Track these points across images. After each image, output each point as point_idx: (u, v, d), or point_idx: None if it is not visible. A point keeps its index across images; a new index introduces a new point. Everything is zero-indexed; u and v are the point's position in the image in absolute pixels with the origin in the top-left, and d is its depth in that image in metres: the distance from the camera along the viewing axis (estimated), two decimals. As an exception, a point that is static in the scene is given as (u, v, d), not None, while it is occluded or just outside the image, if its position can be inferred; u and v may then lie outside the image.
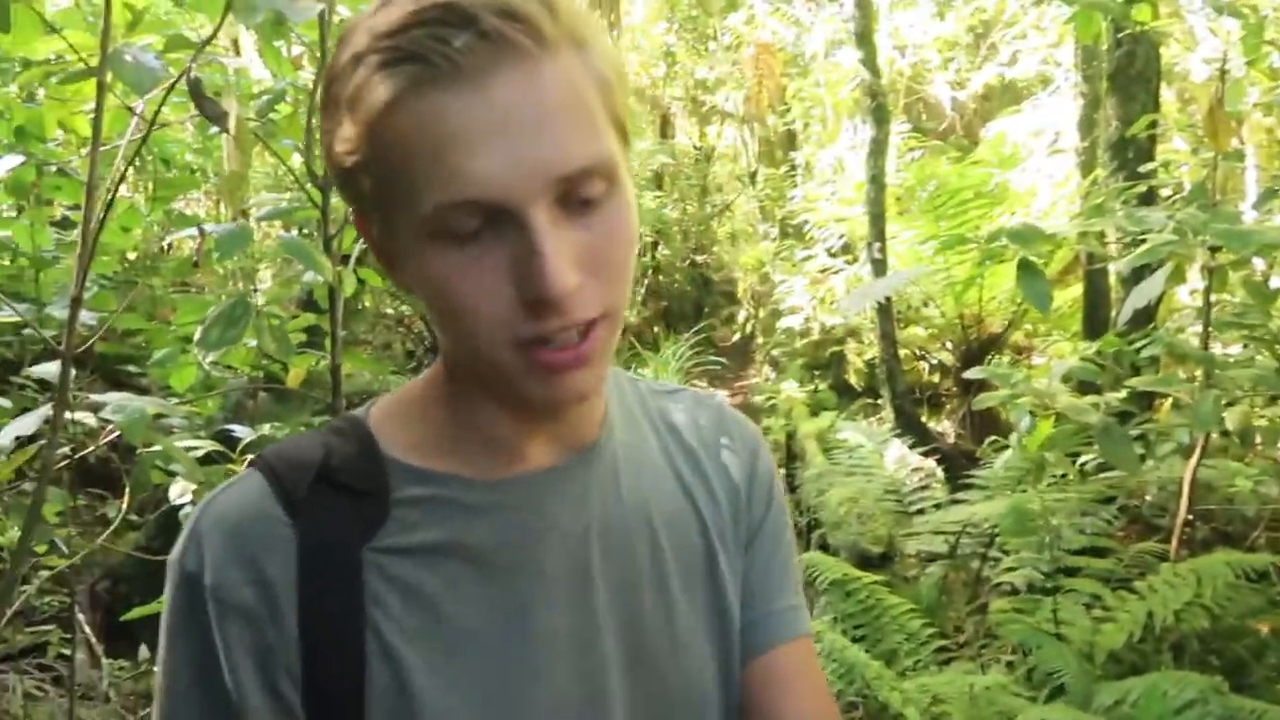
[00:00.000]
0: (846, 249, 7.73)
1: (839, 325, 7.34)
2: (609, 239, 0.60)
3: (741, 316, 10.12)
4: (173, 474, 1.82)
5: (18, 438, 1.44)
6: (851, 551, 4.05)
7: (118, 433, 1.56)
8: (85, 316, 1.70)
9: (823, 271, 7.68)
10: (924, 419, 6.00)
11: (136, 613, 1.66)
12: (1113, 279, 4.28)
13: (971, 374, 3.03)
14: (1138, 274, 3.12)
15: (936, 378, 6.99)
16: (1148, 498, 3.73)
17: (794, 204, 8.93)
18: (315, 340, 2.35)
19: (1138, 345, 2.96)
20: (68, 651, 2.56)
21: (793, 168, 9.96)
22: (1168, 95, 6.57)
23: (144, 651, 2.96)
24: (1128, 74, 4.04)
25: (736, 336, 9.95)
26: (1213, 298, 2.89)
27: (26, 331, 2.20)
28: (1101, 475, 3.42)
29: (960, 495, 3.98)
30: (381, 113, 0.57)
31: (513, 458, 0.69)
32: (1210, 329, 2.95)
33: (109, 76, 1.33)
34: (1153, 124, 3.71)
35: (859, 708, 2.75)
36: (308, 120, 1.70)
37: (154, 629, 0.68)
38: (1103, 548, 3.24)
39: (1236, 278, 2.80)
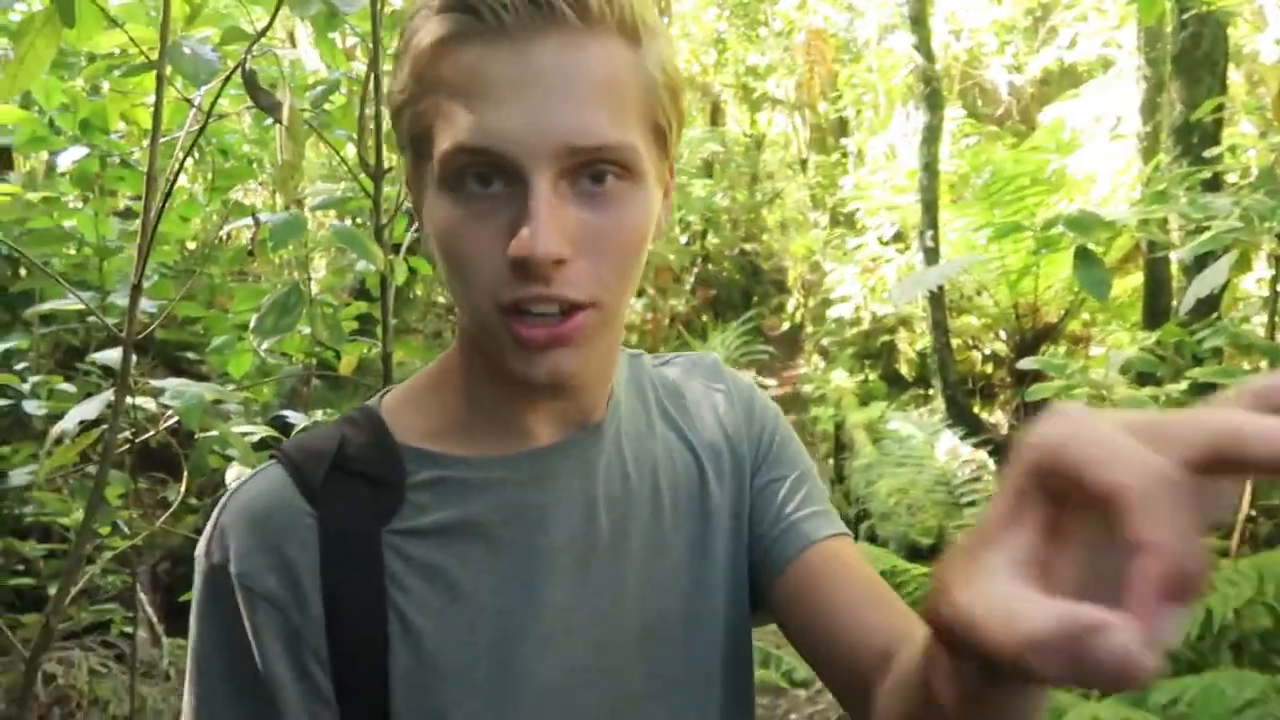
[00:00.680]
0: (898, 237, 7.63)
1: (890, 314, 7.26)
2: (614, 228, 0.60)
3: (791, 305, 10.06)
4: (229, 458, 1.87)
5: (82, 421, 1.49)
6: (900, 543, 4.02)
7: (177, 417, 1.60)
8: (145, 304, 1.74)
9: (874, 260, 7.60)
10: (976, 410, 5.91)
11: (195, 593, 1.69)
12: (1175, 267, 4.17)
13: (1024, 365, 2.98)
14: (1200, 262, 3.04)
15: (990, 368, 6.88)
16: (1208, 492, 3.64)
17: (845, 192, 8.84)
18: (367, 328, 2.39)
19: (1200, 336, 2.88)
20: (129, 630, 2.64)
21: (844, 155, 9.86)
22: (1235, 77, 6.38)
23: (203, 631, 3.02)
24: (1193, 56, 3.92)
25: (786, 325, 9.90)
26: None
27: (90, 319, 2.26)
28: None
29: (1013, 487, 3.91)
30: (426, 54, 0.59)
31: (520, 437, 0.70)
32: (1277, 319, 2.86)
33: (168, 69, 1.36)
34: (1219, 107, 3.60)
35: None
36: (360, 111, 1.72)
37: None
38: (1160, 543, 3.17)
39: (1305, 266, 2.71)
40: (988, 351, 6.94)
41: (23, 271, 3.22)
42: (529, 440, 0.70)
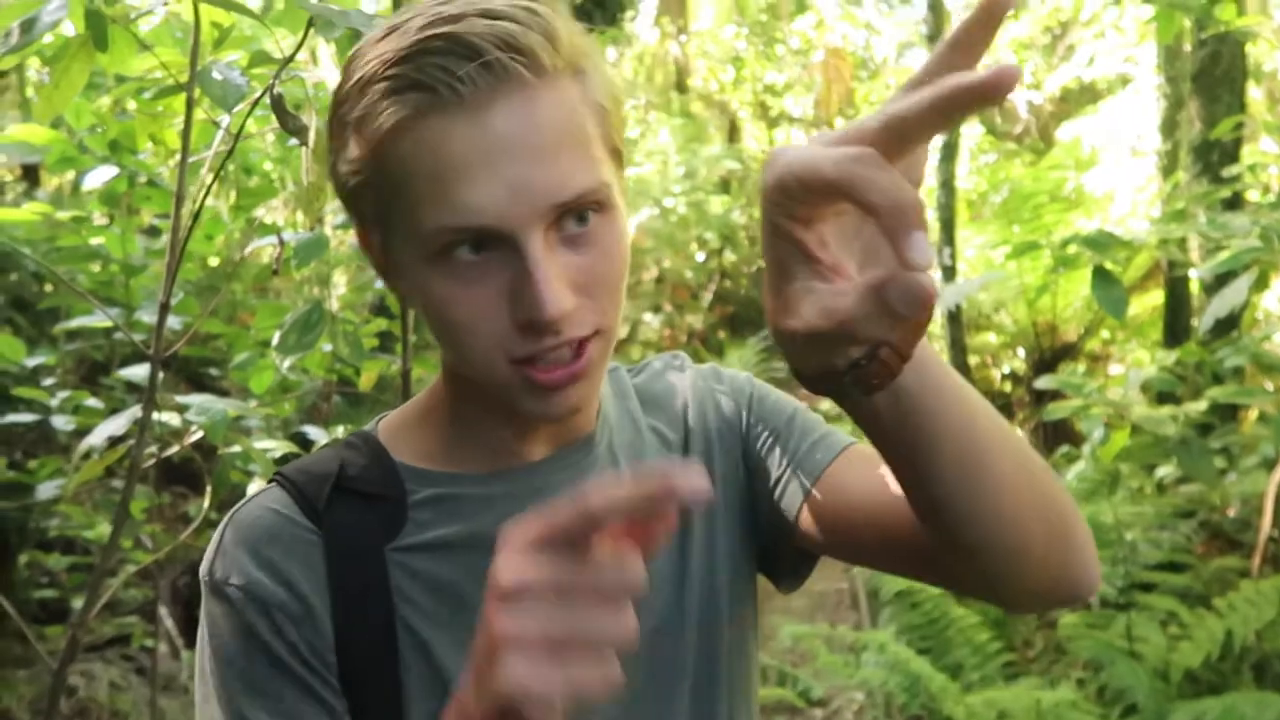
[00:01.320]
0: (916, 254, 7.62)
1: (908, 331, 7.23)
2: (602, 260, 0.63)
3: (808, 322, 10.02)
4: (251, 474, 1.89)
5: (109, 437, 1.51)
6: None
7: (200, 433, 1.62)
8: (172, 321, 1.77)
9: (892, 277, 7.58)
10: (995, 428, 5.87)
11: (216, 607, 1.71)
12: (1195, 286, 4.15)
13: (1042, 383, 2.97)
14: (1221, 281, 3.03)
15: (1008, 386, 6.85)
16: (1230, 512, 3.61)
17: (862, 209, 8.81)
18: (386, 345, 2.41)
19: (1220, 355, 2.87)
20: (150, 643, 2.66)
21: (861, 172, 9.84)
22: (1255, 95, 6.35)
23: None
24: (1212, 74, 3.92)
25: (803, 342, 9.86)
26: (1300, 306, 2.79)
27: (116, 335, 2.29)
28: (1181, 489, 3.32)
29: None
30: (386, 137, 0.60)
31: (515, 455, 0.72)
32: (1297, 339, 2.85)
33: (197, 92, 1.39)
34: (1238, 125, 3.59)
35: (924, 721, 2.71)
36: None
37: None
38: (1180, 563, 3.14)
39: (1326, 286, 2.70)
40: (1006, 370, 6.91)
41: (49, 288, 3.27)
42: (524, 458, 0.72)
